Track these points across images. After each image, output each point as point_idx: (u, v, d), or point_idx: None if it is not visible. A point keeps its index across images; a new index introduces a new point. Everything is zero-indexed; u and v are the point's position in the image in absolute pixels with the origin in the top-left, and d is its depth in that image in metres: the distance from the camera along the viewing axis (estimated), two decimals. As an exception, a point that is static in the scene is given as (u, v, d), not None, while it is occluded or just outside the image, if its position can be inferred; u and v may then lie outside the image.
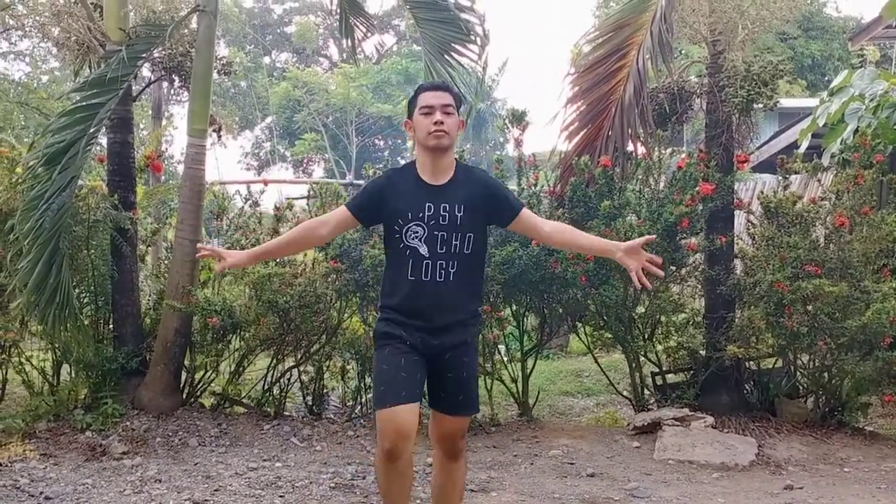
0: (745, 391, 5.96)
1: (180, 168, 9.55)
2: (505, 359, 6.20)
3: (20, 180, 5.28)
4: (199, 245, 4.07)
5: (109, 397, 5.49)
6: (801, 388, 6.01)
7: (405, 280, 3.05)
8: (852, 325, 5.23)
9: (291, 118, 32.51)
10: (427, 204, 3.04)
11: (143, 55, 5.69)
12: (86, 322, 5.64)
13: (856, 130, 5.91)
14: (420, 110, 3.08)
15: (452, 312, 3.09)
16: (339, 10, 6.75)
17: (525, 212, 3.21)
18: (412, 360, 3.04)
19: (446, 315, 3.07)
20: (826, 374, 5.74)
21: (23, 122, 12.83)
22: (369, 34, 7.06)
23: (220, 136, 6.93)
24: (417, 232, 3.03)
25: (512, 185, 6.05)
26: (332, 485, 4.49)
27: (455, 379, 3.13)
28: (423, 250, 3.02)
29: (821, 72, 20.50)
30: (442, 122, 3.03)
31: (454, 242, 3.03)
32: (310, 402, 6.03)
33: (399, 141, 31.21)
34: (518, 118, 6.04)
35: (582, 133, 5.92)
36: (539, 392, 6.49)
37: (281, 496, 4.29)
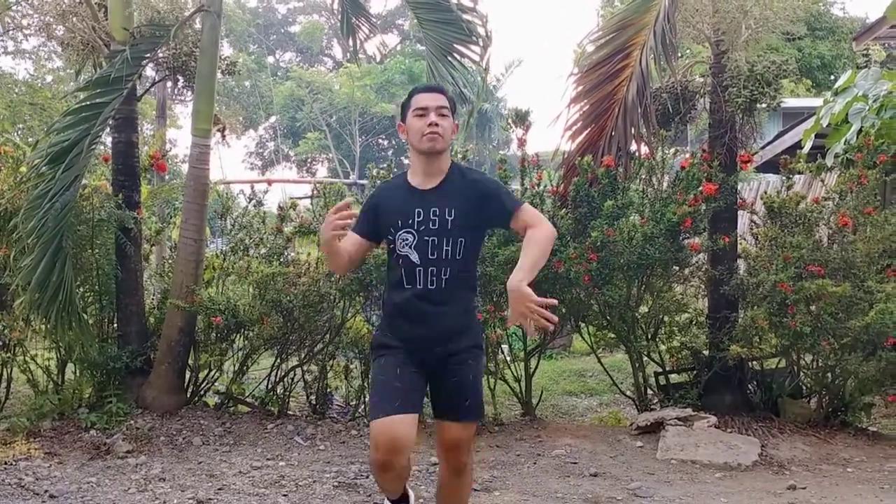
0: (749, 391, 5.96)
1: (184, 167, 9.56)
2: (508, 358, 6.21)
3: (24, 179, 5.30)
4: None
5: (114, 396, 5.50)
6: (804, 388, 6.01)
7: (402, 290, 2.96)
8: (856, 326, 5.22)
9: (295, 118, 32.57)
10: (416, 209, 2.94)
11: (148, 55, 5.71)
12: (90, 321, 5.65)
13: (859, 131, 5.89)
14: (414, 112, 3.00)
15: (446, 322, 2.97)
16: (340, 10, 6.76)
17: (520, 211, 2.98)
18: (409, 372, 2.95)
19: (440, 326, 2.96)
20: (829, 375, 5.74)
21: (27, 121, 12.86)
22: (372, 34, 7.06)
23: (224, 136, 6.96)
24: (407, 239, 2.93)
25: (515, 185, 6.05)
26: (336, 483, 4.50)
27: (459, 383, 2.99)
28: (415, 257, 2.92)
29: (829, 71, 20.45)
30: (436, 124, 2.94)
31: (445, 248, 2.92)
32: (313, 402, 6.03)
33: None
34: (521, 118, 6.04)
35: (585, 133, 5.92)
36: (542, 392, 6.49)
37: (284, 495, 4.31)
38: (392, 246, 2.98)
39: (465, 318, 3.04)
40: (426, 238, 2.92)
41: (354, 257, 3.10)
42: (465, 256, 2.97)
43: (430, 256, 2.92)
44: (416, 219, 2.94)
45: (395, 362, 2.96)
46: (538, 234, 2.94)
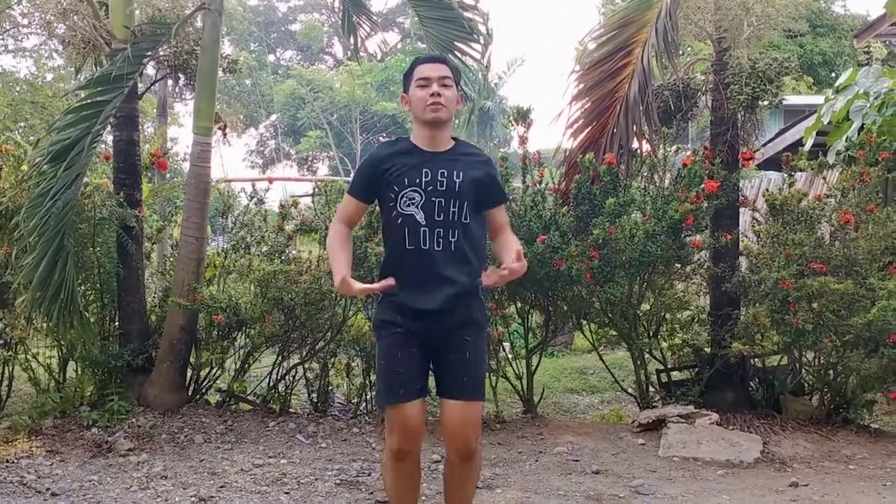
0: (750, 388, 5.96)
1: (185, 166, 9.57)
2: (510, 356, 6.21)
3: (26, 177, 5.30)
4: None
5: (115, 394, 5.51)
6: (806, 385, 6.00)
7: (403, 250, 2.91)
8: (858, 323, 5.22)
9: (296, 116, 32.57)
10: (424, 170, 2.92)
11: (149, 53, 5.71)
12: (92, 319, 5.66)
13: (861, 128, 5.89)
14: (416, 82, 2.97)
15: (453, 287, 2.90)
16: (341, 8, 6.76)
17: (502, 207, 3.13)
18: (410, 353, 2.92)
19: (447, 289, 2.89)
20: (831, 372, 5.73)
21: (28, 120, 12.87)
22: (373, 32, 7.06)
23: (225, 134, 6.95)
24: (413, 198, 2.89)
25: (517, 183, 6.05)
26: (338, 481, 4.50)
27: (458, 360, 2.95)
28: (420, 217, 2.88)
29: (830, 69, 20.46)
30: (439, 94, 2.92)
31: (452, 210, 2.90)
32: (315, 399, 6.04)
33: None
34: (523, 116, 6.03)
35: (587, 130, 5.92)
36: (544, 389, 6.49)
37: (286, 493, 4.31)
38: (392, 204, 2.93)
39: (469, 287, 2.98)
40: (433, 199, 2.89)
41: (355, 222, 3.13)
42: (473, 220, 2.96)
43: (436, 218, 2.89)
44: (423, 179, 2.91)
45: (396, 345, 2.93)
46: (515, 239, 3.11)
